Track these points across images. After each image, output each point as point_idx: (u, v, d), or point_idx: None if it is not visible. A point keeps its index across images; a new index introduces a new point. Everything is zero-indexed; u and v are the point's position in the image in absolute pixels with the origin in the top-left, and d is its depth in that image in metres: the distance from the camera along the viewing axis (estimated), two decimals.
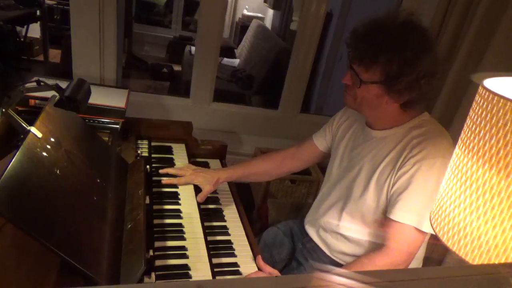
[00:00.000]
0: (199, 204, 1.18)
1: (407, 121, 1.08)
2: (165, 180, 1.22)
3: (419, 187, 0.99)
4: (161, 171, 1.25)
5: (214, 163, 1.48)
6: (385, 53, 0.96)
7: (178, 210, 1.13)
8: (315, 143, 1.34)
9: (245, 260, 1.06)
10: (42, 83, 1.01)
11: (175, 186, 1.23)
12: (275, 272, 1.04)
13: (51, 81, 1.05)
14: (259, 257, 1.05)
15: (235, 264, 1.04)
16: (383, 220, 1.08)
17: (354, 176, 1.15)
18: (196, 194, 1.21)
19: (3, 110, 0.98)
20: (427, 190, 0.99)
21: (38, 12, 3.56)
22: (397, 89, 0.99)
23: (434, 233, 0.98)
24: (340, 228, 1.18)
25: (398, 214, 1.01)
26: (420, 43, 0.96)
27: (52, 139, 0.89)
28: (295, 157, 1.37)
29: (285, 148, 1.39)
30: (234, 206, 1.27)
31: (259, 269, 1.03)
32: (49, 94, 1.07)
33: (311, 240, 1.29)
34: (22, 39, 3.59)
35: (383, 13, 1.02)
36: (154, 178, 1.23)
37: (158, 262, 0.95)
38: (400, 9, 1.04)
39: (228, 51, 4.13)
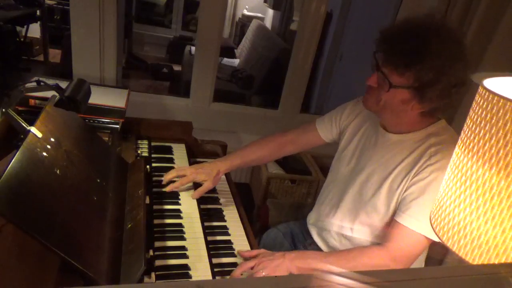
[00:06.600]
0: (199, 204, 1.18)
1: (424, 127, 1.06)
2: (168, 188, 1.19)
3: (433, 196, 0.96)
4: (164, 181, 1.21)
5: None
6: (422, 60, 0.92)
7: (178, 210, 1.13)
8: (319, 133, 1.31)
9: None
10: (42, 83, 1.01)
11: None
12: (261, 252, 1.05)
13: (51, 81, 1.05)
14: (239, 251, 1.08)
15: (235, 264, 1.04)
16: (391, 222, 1.07)
17: (364, 179, 1.13)
18: None
19: (3, 110, 0.98)
20: None
21: (38, 12, 3.55)
22: (429, 97, 0.96)
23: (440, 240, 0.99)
24: (346, 230, 1.18)
25: (409, 220, 1.00)
26: (456, 51, 0.93)
27: (52, 139, 0.89)
28: (295, 143, 1.34)
29: (282, 132, 1.35)
30: (234, 206, 1.27)
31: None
32: (49, 94, 1.07)
33: (313, 242, 1.29)
34: (22, 39, 3.59)
35: (415, 16, 0.98)
36: (154, 178, 1.23)
37: (158, 262, 0.94)
38: (433, 12, 0.99)
39: (228, 51, 4.13)
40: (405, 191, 1.04)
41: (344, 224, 1.18)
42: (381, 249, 1.03)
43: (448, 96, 0.96)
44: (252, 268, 1.00)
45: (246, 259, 1.05)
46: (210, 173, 1.23)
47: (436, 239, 1.00)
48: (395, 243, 1.02)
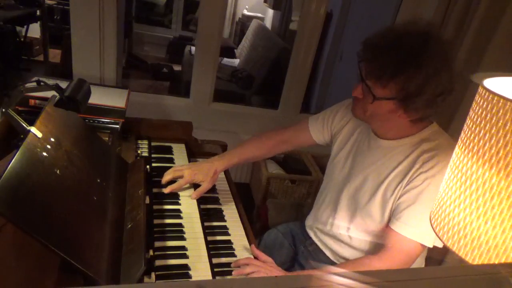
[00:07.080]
0: (199, 204, 1.18)
1: (416, 132, 1.05)
2: (167, 189, 1.19)
3: (427, 203, 0.97)
4: (163, 182, 1.21)
5: None
6: (405, 70, 0.91)
7: (178, 210, 1.13)
8: (311, 134, 1.31)
9: None
10: (42, 83, 1.01)
11: None
12: (269, 260, 1.05)
13: (51, 81, 1.05)
14: (253, 246, 1.08)
15: None
16: (386, 229, 1.07)
17: (358, 184, 1.14)
18: None
19: (3, 110, 0.98)
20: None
21: (38, 12, 3.56)
22: (414, 107, 0.95)
23: (436, 246, 1.00)
24: (343, 235, 1.18)
25: (402, 227, 1.00)
26: (441, 59, 0.92)
27: (52, 139, 0.89)
28: (288, 142, 1.35)
29: (277, 130, 1.37)
30: (234, 206, 1.27)
31: (255, 257, 1.05)
32: (49, 94, 1.07)
33: (313, 243, 1.29)
34: (22, 39, 3.59)
35: (399, 24, 0.97)
36: (154, 178, 1.23)
37: (158, 262, 0.94)
38: (417, 19, 0.98)
39: (228, 51, 4.13)
40: (398, 198, 1.04)
41: (341, 227, 1.18)
42: (377, 261, 1.03)
43: (434, 105, 0.95)
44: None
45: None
46: (208, 173, 1.23)
47: (430, 245, 1.00)
48: (390, 251, 1.02)
